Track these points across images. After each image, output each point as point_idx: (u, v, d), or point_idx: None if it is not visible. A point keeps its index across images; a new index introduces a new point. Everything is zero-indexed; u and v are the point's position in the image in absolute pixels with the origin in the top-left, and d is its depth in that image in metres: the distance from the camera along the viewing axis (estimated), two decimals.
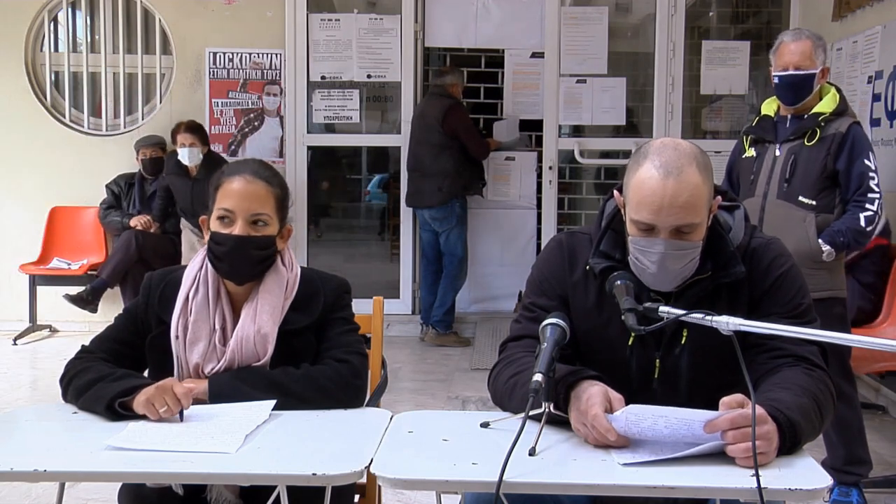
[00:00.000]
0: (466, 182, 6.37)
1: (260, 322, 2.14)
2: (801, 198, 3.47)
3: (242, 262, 2.15)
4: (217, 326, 2.16)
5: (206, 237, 2.19)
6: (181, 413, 1.93)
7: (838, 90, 3.55)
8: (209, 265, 2.19)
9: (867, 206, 3.39)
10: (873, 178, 3.39)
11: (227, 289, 2.21)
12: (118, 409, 1.96)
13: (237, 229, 2.13)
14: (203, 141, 6.08)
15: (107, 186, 6.52)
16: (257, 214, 2.14)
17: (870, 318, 4.49)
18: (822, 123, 3.43)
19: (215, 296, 2.18)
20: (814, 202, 3.45)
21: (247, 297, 2.19)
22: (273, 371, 2.12)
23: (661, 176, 1.87)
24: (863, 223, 3.39)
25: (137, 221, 6.28)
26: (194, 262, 2.24)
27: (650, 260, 1.92)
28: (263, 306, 2.16)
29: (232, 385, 2.07)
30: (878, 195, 3.39)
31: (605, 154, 7.01)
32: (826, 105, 3.48)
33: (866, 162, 3.40)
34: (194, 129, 6.08)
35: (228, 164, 2.24)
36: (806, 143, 3.46)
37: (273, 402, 2.00)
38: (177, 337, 2.15)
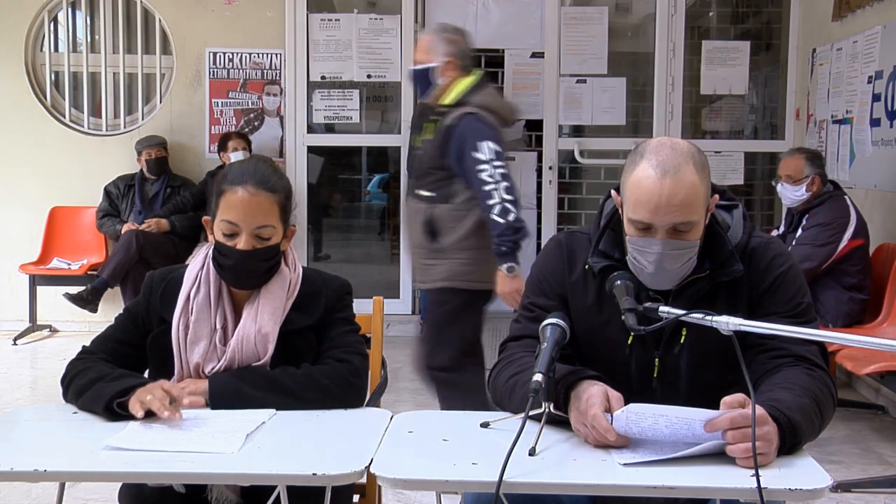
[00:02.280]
0: None
1: (261, 322, 2.14)
2: (418, 190, 3.50)
3: (248, 275, 2.15)
4: (218, 326, 2.16)
5: (210, 238, 2.19)
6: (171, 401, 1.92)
7: (479, 81, 3.50)
8: (211, 265, 2.19)
9: (488, 202, 3.29)
10: (485, 170, 3.29)
11: (228, 288, 2.20)
12: (116, 409, 1.96)
13: (242, 243, 2.11)
14: (249, 147, 6.50)
15: (105, 190, 6.49)
16: (262, 227, 2.12)
17: (860, 317, 4.50)
18: (437, 118, 3.44)
19: (217, 295, 2.18)
20: (433, 194, 3.44)
21: (248, 297, 2.18)
22: (273, 370, 2.12)
23: (657, 175, 1.87)
24: (499, 219, 3.27)
25: (152, 224, 6.24)
26: (196, 260, 2.23)
27: (647, 260, 1.92)
28: (265, 306, 2.16)
29: (232, 384, 2.07)
30: (493, 184, 3.27)
31: (605, 154, 7.00)
32: (446, 98, 3.47)
33: (475, 155, 3.31)
34: (243, 135, 6.55)
35: (231, 168, 2.19)
36: (423, 135, 3.51)
37: (273, 412, 2.00)
38: (177, 336, 2.15)
